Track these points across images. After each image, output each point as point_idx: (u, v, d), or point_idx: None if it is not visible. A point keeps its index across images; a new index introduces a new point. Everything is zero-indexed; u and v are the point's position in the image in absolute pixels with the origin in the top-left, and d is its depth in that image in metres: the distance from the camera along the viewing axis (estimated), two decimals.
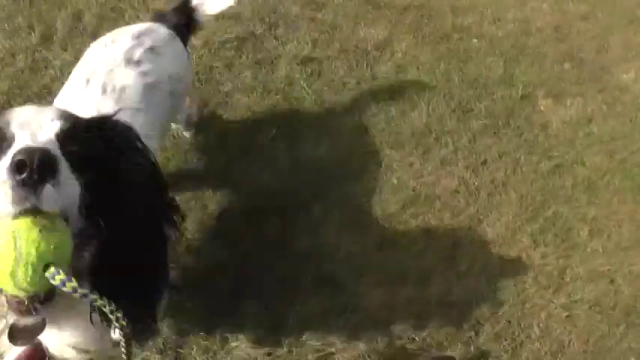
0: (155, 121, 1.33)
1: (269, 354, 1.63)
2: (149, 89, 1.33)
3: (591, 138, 2.49)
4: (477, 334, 1.77)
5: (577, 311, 1.89)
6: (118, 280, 0.79)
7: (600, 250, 2.07)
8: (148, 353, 1.56)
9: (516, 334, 1.81)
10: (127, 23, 1.93)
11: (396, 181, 2.14)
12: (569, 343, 1.81)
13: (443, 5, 3.02)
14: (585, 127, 2.54)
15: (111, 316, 0.75)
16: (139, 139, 0.90)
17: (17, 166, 0.67)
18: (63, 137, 0.79)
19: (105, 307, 0.74)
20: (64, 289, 0.68)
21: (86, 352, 1.00)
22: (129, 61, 1.34)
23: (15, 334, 0.81)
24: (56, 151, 0.75)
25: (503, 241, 2.02)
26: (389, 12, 2.90)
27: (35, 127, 0.79)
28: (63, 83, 1.44)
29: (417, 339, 1.73)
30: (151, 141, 1.01)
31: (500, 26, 3.00)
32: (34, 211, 0.68)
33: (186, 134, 2.02)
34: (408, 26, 2.83)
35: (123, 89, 1.29)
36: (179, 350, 1.58)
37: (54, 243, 0.67)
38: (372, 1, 2.91)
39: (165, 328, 1.58)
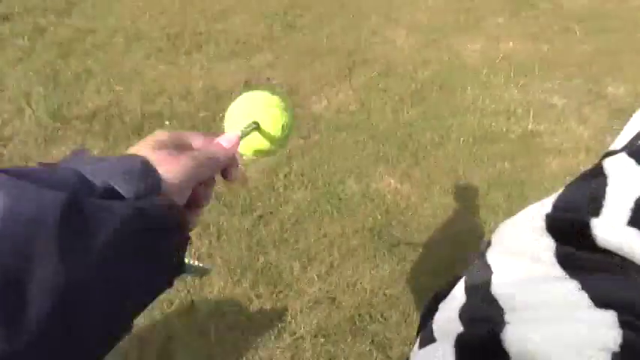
0: None
1: None
2: None
3: (292, 175, 2.96)
4: None
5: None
6: None
7: (315, 277, 2.47)
8: None
9: None
10: None
11: None
12: None
13: (132, 96, 3.42)
14: (285, 166, 3.02)
15: None
16: None
17: None
18: None
19: None
20: None
21: None
22: None
23: None
24: None
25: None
26: (78, 122, 3.21)
27: None
28: None
29: None
30: None
31: (191, 100, 3.47)
32: None
33: None
34: (99, 131, 3.16)
35: None
36: None
37: None
38: (59, 116, 3.21)
39: None
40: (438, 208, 2.87)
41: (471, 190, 3.01)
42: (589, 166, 0.71)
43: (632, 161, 0.89)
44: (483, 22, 4.82)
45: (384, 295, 2.41)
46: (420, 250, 2.64)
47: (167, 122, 3.24)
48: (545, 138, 3.49)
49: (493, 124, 3.52)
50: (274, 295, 2.38)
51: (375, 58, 4.03)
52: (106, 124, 3.18)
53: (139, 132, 3.13)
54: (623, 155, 0.96)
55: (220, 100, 3.41)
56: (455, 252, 2.60)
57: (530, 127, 3.56)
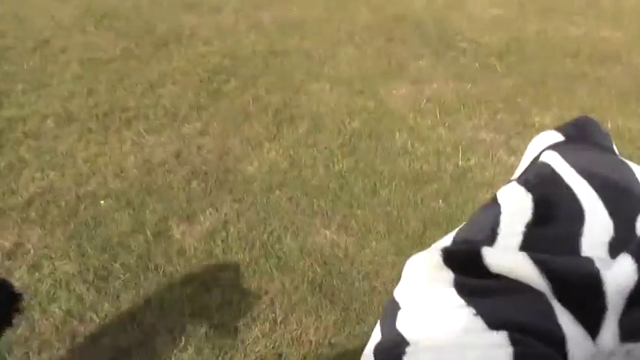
0: None
1: None
2: None
3: (229, 239, 3.15)
4: None
5: None
6: None
7: (260, 335, 2.64)
8: None
9: None
10: None
11: None
12: None
13: (66, 180, 3.58)
14: (222, 231, 3.21)
15: None
16: None
17: None
18: None
19: None
20: None
21: None
22: None
23: None
24: None
25: None
26: (14, 212, 3.34)
27: None
28: None
29: None
30: None
31: (125, 177, 3.64)
32: None
33: None
34: (36, 219, 3.29)
35: None
36: None
37: None
38: None
39: None
40: (375, 254, 3.08)
41: (408, 233, 3.24)
42: None
43: (522, 189, 1.08)
44: (406, 67, 5.18)
45: (330, 344, 2.59)
46: (362, 297, 2.84)
47: (102, 202, 3.41)
48: (477, 172, 3.78)
49: (424, 165, 3.80)
50: (220, 359, 2.53)
51: (302, 114, 4.31)
52: (42, 211, 3.32)
53: (75, 214, 3.28)
54: (514, 184, 1.17)
55: (153, 173, 3.61)
56: None
57: (460, 163, 3.85)
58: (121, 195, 3.45)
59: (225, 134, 3.98)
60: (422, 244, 3.09)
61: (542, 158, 1.11)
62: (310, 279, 2.89)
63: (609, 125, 4.40)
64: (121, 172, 3.65)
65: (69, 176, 3.57)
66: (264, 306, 2.75)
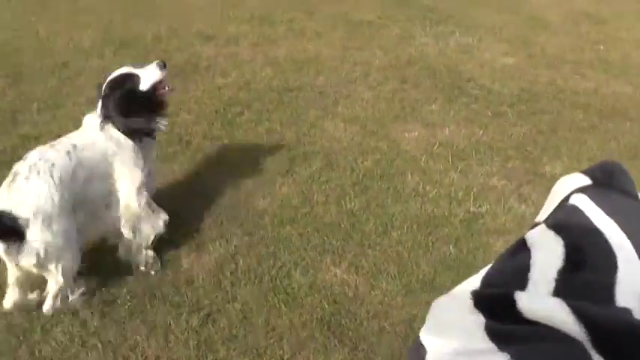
0: None
1: None
2: None
3: (238, 271, 3.11)
4: None
5: None
6: None
7: None
8: None
9: None
10: None
11: None
12: None
13: None
14: (232, 263, 3.16)
15: None
16: None
17: None
18: None
19: None
20: None
21: None
22: None
23: None
24: None
25: None
26: None
27: None
28: None
29: None
30: None
31: None
32: None
33: None
34: None
35: None
36: None
37: None
38: None
39: None
40: (386, 295, 3.04)
41: (418, 276, 3.20)
42: None
43: (551, 233, 1.06)
44: (419, 111, 5.19)
45: None
46: (371, 337, 2.79)
47: None
48: (488, 219, 3.75)
49: (435, 209, 3.77)
50: None
51: (315, 151, 4.29)
52: None
53: None
54: (543, 227, 1.14)
55: (164, 200, 3.57)
56: (406, 338, 2.76)
57: (472, 209, 3.82)
58: None
59: (237, 166, 3.96)
60: (432, 288, 3.06)
61: (571, 201, 1.09)
62: (319, 316, 2.85)
63: None
64: None
65: None
66: (271, 341, 2.71)
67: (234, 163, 4.04)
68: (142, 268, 3.02)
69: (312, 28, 7.43)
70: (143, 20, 7.07)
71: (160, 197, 3.48)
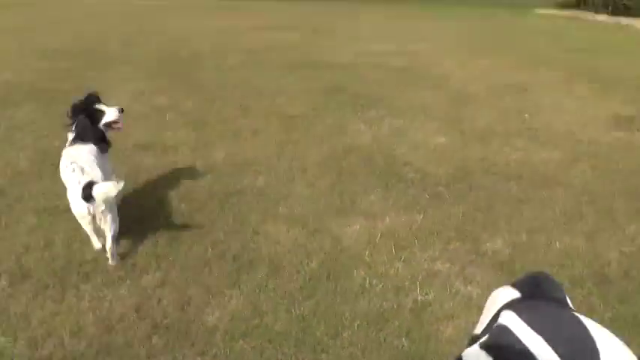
0: None
1: None
2: None
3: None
4: None
5: None
6: None
7: None
8: None
9: None
10: None
11: None
12: None
13: (19, 345, 3.44)
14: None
15: None
16: None
17: None
18: None
19: None
20: None
21: None
22: None
23: None
24: None
25: None
26: None
27: None
28: None
29: None
30: None
31: (83, 336, 3.55)
32: None
33: None
34: None
35: None
36: None
37: None
38: None
39: None
40: None
41: None
42: None
43: (483, 353, 1.15)
44: (358, 203, 5.33)
45: None
46: None
47: None
48: (436, 306, 3.83)
49: (384, 303, 3.84)
50: None
51: (260, 257, 4.34)
52: None
53: None
54: (476, 348, 1.23)
55: (113, 331, 3.55)
56: None
57: (419, 298, 3.91)
58: (78, 357, 3.37)
59: (185, 283, 3.98)
60: None
61: (501, 319, 1.19)
62: None
63: (557, 245, 4.56)
64: (79, 330, 3.57)
65: (23, 340, 3.46)
66: None
67: (181, 281, 4.04)
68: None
69: (248, 127, 7.62)
70: None
71: (108, 328, 3.46)
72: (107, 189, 3.91)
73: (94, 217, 4.10)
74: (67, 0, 27.24)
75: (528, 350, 0.97)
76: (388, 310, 3.78)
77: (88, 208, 4.03)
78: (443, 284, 4.05)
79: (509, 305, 1.21)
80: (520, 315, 1.08)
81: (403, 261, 4.33)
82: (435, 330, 3.59)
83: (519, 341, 1.02)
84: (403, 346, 3.45)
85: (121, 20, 20.47)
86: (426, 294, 3.94)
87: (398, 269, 4.23)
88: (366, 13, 25.43)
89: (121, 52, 13.72)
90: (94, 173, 4.18)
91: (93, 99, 4.74)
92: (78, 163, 4.24)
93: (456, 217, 5.05)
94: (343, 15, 24.54)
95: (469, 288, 4.01)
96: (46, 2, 26.04)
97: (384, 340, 3.50)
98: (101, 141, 4.64)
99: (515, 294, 1.29)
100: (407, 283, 4.05)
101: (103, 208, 4.06)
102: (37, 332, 3.56)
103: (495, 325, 1.16)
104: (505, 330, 1.07)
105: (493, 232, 4.81)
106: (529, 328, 1.02)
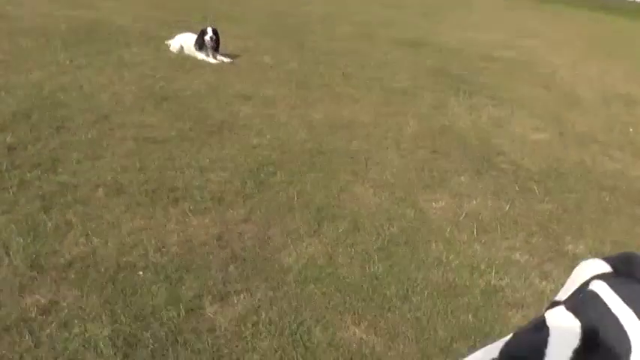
0: None
1: None
2: None
3: (260, 324, 3.25)
4: None
5: None
6: None
7: None
8: None
9: None
10: None
11: None
12: None
13: (108, 248, 3.73)
14: (254, 315, 3.31)
15: None
16: None
17: None
18: None
19: None
20: None
21: None
22: None
23: None
24: None
25: None
26: (54, 271, 3.48)
27: None
28: None
29: None
30: None
31: (166, 252, 3.79)
32: None
33: None
34: (74, 280, 3.42)
35: None
36: None
37: None
38: (36, 265, 3.46)
39: None
40: (402, 357, 3.13)
41: (435, 341, 3.29)
42: None
43: (570, 315, 1.17)
44: (447, 181, 5.36)
45: None
46: None
47: (141, 272, 3.55)
48: (508, 292, 3.84)
49: (457, 278, 3.88)
50: None
51: (343, 214, 4.46)
52: (81, 274, 3.47)
53: (113, 281, 3.42)
54: (562, 309, 1.26)
55: (193, 253, 3.76)
56: None
57: (493, 281, 3.92)
58: (160, 269, 3.58)
59: (267, 224, 4.14)
60: (449, 354, 3.14)
61: (591, 286, 1.20)
62: None
63: None
64: (163, 247, 3.79)
65: (112, 244, 3.72)
66: None
67: (263, 221, 4.22)
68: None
69: (348, 93, 7.72)
70: (184, 77, 7.44)
71: (190, 249, 3.67)
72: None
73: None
74: None
75: (618, 320, 0.96)
76: (460, 286, 3.81)
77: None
78: (519, 274, 4.04)
79: (601, 276, 1.16)
80: (612, 286, 1.07)
81: (483, 244, 4.34)
82: (503, 314, 3.60)
83: (609, 309, 1.00)
84: (469, 322, 3.48)
85: None
86: (501, 279, 3.95)
87: (477, 250, 4.25)
88: (478, 2, 24.92)
89: (230, 9, 14.07)
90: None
91: (205, 29, 8.71)
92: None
93: (542, 214, 5.00)
94: (455, 1, 24.14)
95: (544, 283, 3.99)
96: None
97: (451, 312, 3.54)
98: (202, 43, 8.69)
99: (606, 267, 1.26)
100: (483, 266, 4.06)
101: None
102: (125, 240, 3.81)
103: (585, 290, 1.17)
104: (595, 296, 1.06)
105: (577, 235, 4.73)
106: (620, 299, 1.02)
